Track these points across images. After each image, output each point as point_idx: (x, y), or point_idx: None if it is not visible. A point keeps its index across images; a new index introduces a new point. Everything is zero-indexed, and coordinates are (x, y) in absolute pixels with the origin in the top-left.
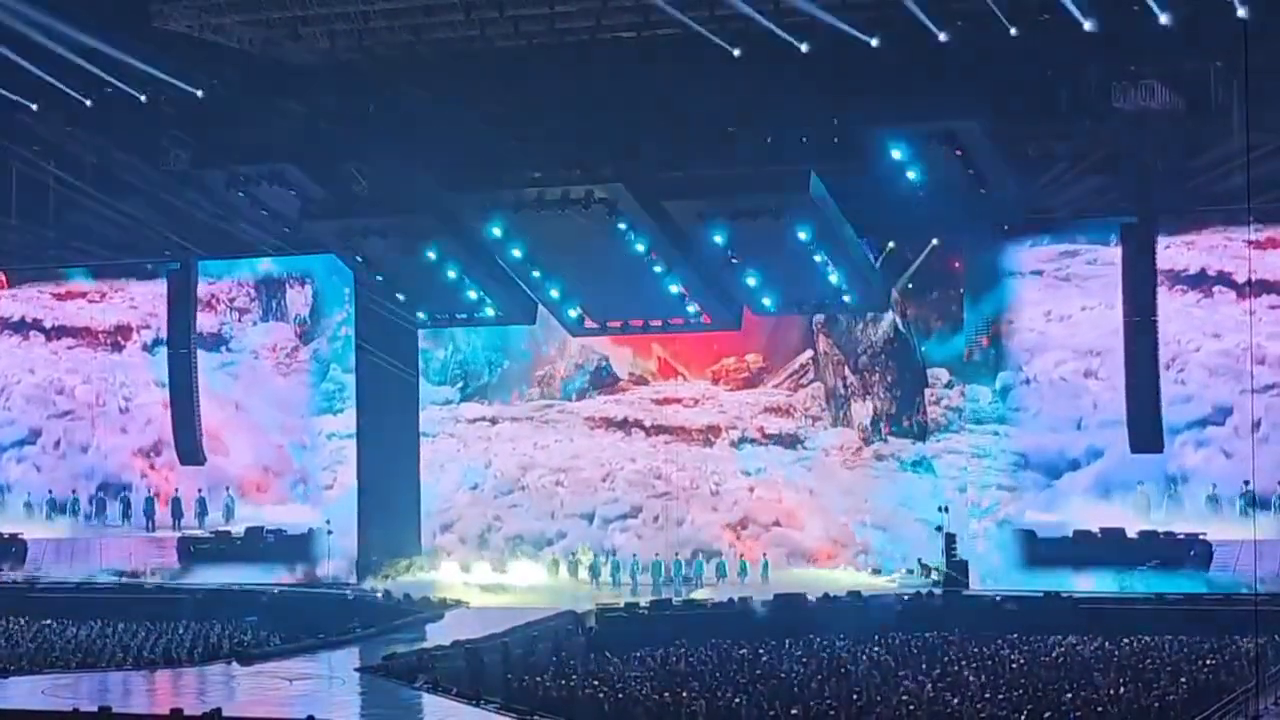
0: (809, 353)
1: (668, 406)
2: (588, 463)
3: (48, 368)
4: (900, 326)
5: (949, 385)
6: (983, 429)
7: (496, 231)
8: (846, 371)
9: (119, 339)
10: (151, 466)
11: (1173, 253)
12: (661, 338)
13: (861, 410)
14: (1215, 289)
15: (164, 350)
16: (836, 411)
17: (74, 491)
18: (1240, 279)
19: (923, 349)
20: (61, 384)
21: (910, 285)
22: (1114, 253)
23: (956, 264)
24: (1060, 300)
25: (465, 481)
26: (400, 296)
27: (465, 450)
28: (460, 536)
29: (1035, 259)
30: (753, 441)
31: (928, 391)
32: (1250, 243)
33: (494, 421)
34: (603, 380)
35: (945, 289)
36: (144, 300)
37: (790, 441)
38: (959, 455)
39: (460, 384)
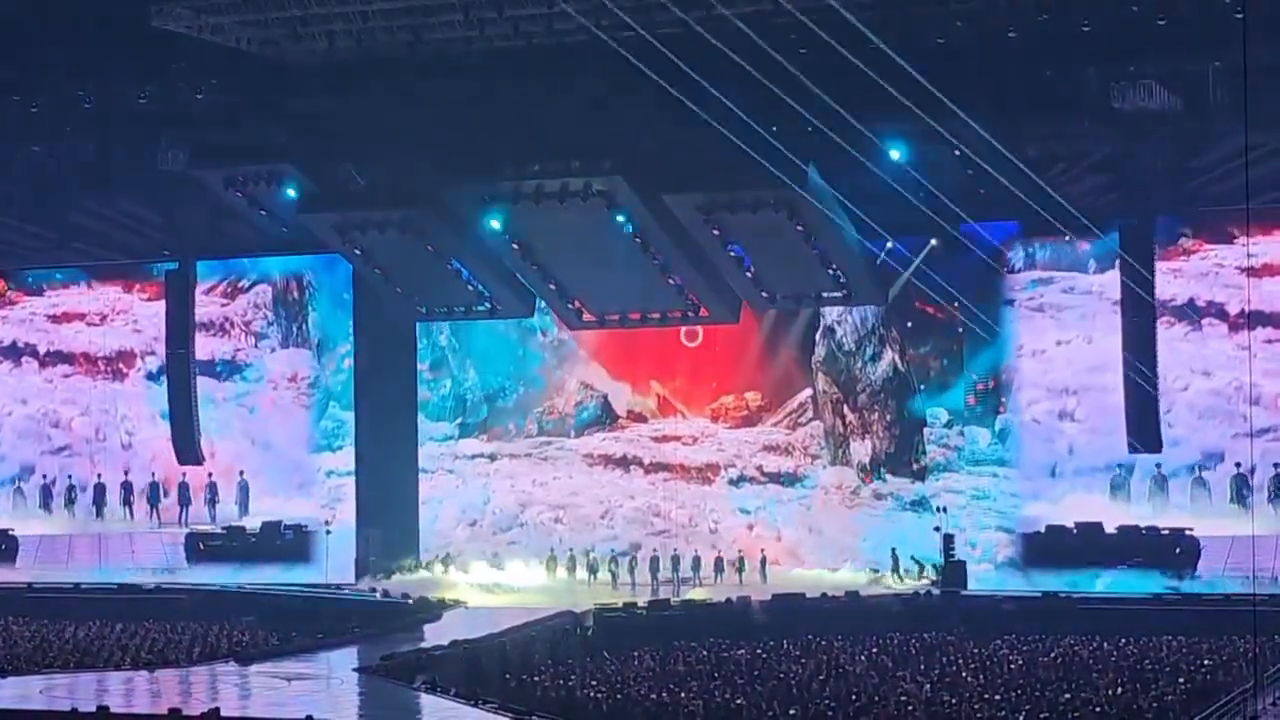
0: (808, 391)
1: (666, 444)
2: (586, 499)
3: (42, 398)
4: (899, 366)
5: (948, 425)
6: (981, 470)
7: (495, 224)
8: (845, 410)
9: (120, 366)
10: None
11: (1159, 280)
12: (661, 375)
13: (860, 449)
14: (1205, 321)
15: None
16: (835, 450)
17: (70, 478)
18: (1233, 310)
19: (921, 388)
20: (57, 416)
21: (910, 324)
22: (1091, 280)
23: (955, 304)
24: (1039, 334)
25: (464, 517)
26: (398, 290)
27: (464, 486)
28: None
29: (1029, 280)
30: (751, 480)
31: (926, 431)
32: (1245, 270)
33: (493, 458)
34: (602, 417)
35: (944, 339)
36: (147, 323)
37: (789, 480)
38: (958, 495)
39: (459, 420)
